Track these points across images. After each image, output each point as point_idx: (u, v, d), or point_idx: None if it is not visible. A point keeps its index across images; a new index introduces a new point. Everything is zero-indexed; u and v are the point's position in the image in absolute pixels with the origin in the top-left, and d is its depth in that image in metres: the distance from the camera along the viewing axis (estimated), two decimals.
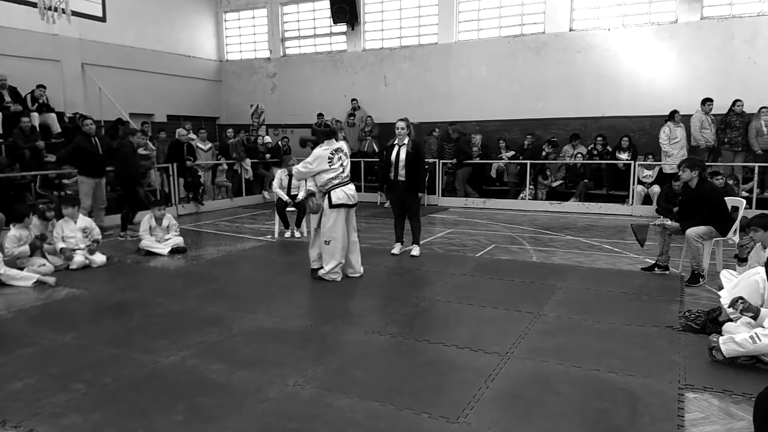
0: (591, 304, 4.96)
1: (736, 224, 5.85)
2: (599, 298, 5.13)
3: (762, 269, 3.96)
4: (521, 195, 11.75)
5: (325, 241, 5.68)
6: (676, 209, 6.17)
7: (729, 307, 3.79)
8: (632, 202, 10.71)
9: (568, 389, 3.30)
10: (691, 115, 10.40)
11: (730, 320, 3.90)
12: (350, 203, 5.74)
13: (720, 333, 3.80)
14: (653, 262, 6.10)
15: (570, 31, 12.18)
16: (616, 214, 10.54)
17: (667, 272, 5.95)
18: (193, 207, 11.20)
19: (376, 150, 12.82)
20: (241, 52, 16.30)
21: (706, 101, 10.22)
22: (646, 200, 10.65)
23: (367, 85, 14.28)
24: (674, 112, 10.43)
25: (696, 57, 11.09)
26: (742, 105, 10.09)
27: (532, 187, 11.75)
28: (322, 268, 5.79)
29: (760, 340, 3.44)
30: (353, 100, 13.90)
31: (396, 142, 6.73)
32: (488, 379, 3.41)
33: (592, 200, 11.15)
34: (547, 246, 7.68)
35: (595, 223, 9.65)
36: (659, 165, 10.71)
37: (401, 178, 6.68)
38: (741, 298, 3.64)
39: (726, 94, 10.31)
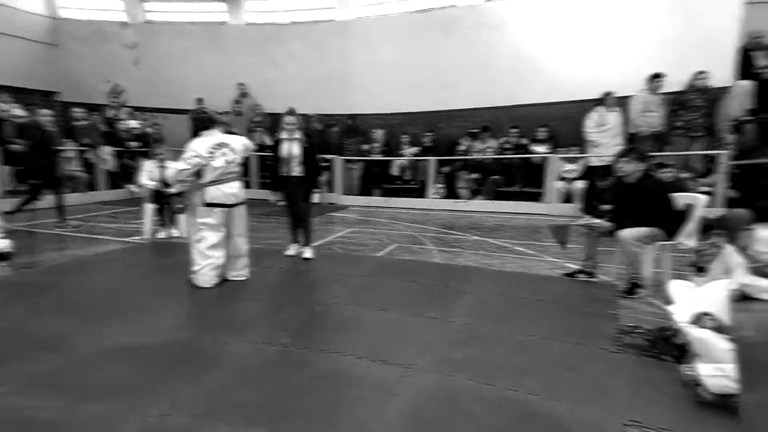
0: (503, 311, 4.89)
1: (692, 226, 5.29)
2: (512, 305, 5.06)
3: (728, 281, 3.71)
4: (430, 193, 11.82)
5: (196, 240, 5.53)
6: (607, 207, 5.71)
7: (692, 323, 3.41)
8: (550, 199, 10.68)
9: (481, 411, 3.16)
10: (631, 97, 9.61)
11: (686, 345, 3.46)
12: (228, 203, 5.54)
13: (678, 359, 3.46)
14: (577, 267, 5.89)
15: (486, 1, 11.79)
16: (531, 213, 10.57)
17: (594, 279, 5.74)
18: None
19: (268, 143, 12.45)
20: (85, 9, 14.54)
21: (655, 77, 9.36)
22: (567, 198, 10.28)
23: (254, 68, 13.63)
24: (607, 95, 9.72)
25: (640, 25, 10.30)
26: (707, 78, 8.98)
27: (443, 185, 11.82)
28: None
29: None
30: (240, 84, 13.33)
31: (286, 136, 6.67)
32: (391, 394, 3.28)
33: (503, 198, 11.18)
34: (451, 246, 7.76)
35: (505, 223, 9.84)
36: (584, 157, 10.23)
37: (295, 174, 6.65)
38: (707, 313, 3.33)
39: (684, 67, 9.30)
